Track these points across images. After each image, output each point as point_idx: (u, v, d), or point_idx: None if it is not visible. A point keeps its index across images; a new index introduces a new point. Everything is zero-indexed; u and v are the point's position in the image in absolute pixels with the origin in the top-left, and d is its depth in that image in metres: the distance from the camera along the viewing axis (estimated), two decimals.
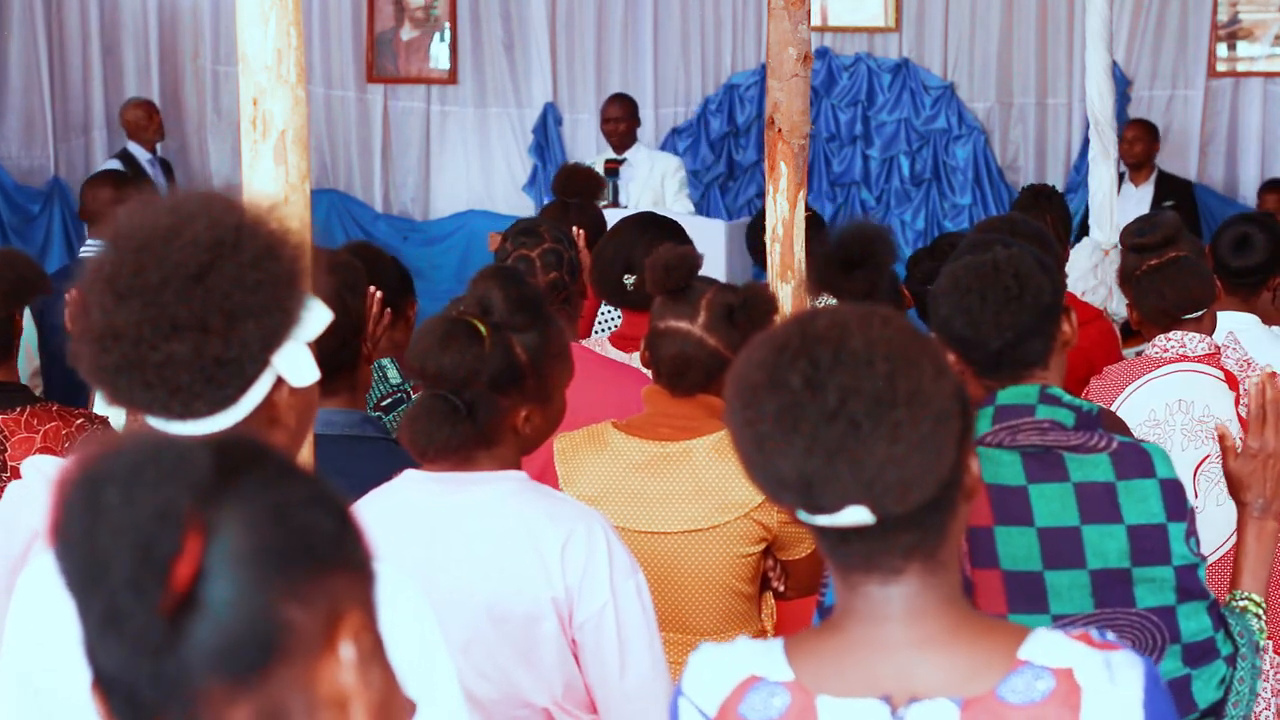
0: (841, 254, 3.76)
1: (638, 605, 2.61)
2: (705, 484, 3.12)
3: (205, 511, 1.20)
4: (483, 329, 2.63)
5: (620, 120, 9.23)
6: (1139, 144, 9.26)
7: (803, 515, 1.68)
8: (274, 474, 1.25)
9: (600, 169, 9.04)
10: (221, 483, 1.21)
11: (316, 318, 1.86)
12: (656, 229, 4.48)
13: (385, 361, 4.32)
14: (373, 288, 3.36)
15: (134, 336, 1.75)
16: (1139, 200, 9.13)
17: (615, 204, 8.82)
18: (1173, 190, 9.38)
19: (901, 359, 1.64)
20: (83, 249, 6.07)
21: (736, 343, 3.19)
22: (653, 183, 9.06)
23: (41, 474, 2.56)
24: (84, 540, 1.19)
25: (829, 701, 1.69)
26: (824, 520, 1.66)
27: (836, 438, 1.61)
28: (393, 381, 4.32)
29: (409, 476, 2.69)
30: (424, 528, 2.62)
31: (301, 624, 1.22)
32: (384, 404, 4.29)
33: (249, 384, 1.81)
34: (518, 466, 2.69)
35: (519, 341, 2.65)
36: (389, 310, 3.42)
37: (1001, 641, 1.69)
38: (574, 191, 5.82)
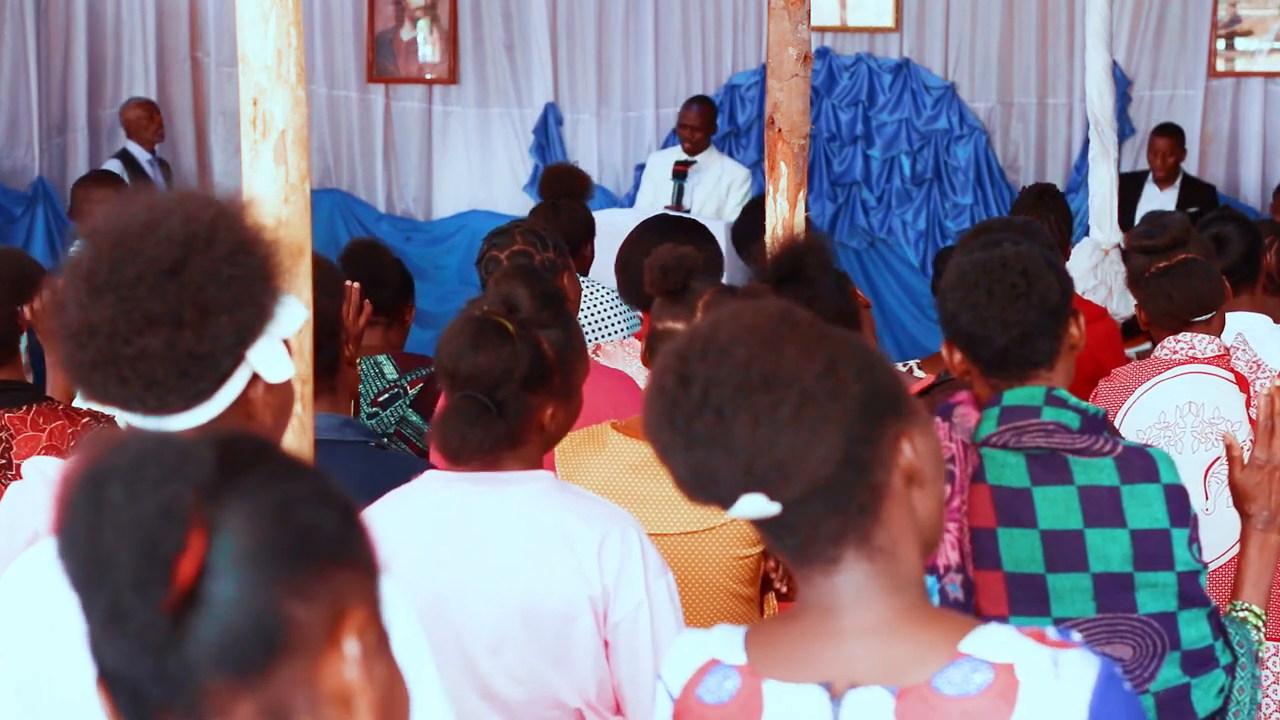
0: (773, 271, 3.79)
1: (669, 605, 2.63)
2: None
3: (208, 508, 1.20)
4: (511, 327, 2.63)
5: (697, 129, 9.21)
6: (1172, 156, 9.25)
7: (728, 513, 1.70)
8: (277, 470, 1.25)
9: (669, 168, 9.05)
10: (224, 479, 1.21)
11: (292, 315, 1.87)
12: (679, 231, 4.47)
13: (381, 358, 4.33)
14: (351, 282, 3.35)
15: (109, 331, 1.76)
16: (1164, 205, 9.10)
17: (679, 206, 8.83)
18: (1197, 195, 9.34)
19: (759, 344, 1.64)
20: (74, 250, 6.03)
21: None
22: (719, 190, 9.06)
23: (42, 474, 2.56)
24: (87, 538, 1.19)
25: (774, 686, 1.71)
26: (733, 514, 1.67)
27: (707, 429, 1.63)
28: (389, 377, 4.34)
29: (434, 476, 2.69)
30: (454, 528, 2.62)
31: (305, 620, 1.22)
32: (381, 399, 4.31)
33: (223, 379, 1.81)
34: (540, 465, 2.70)
35: (545, 339, 2.66)
36: (368, 303, 3.41)
37: (944, 633, 1.68)
38: (561, 192, 5.81)
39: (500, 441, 2.61)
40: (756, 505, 1.65)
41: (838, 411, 1.64)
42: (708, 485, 1.66)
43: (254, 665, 1.20)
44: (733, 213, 8.91)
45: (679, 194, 9.00)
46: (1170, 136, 9.30)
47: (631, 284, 4.41)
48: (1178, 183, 9.36)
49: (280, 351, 1.86)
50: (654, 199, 9.12)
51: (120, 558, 1.18)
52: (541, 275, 2.83)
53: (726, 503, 1.66)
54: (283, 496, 1.23)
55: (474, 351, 2.61)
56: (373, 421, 4.23)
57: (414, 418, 4.33)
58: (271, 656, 1.21)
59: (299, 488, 1.25)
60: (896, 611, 1.69)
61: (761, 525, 1.70)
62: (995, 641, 1.67)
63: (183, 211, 1.79)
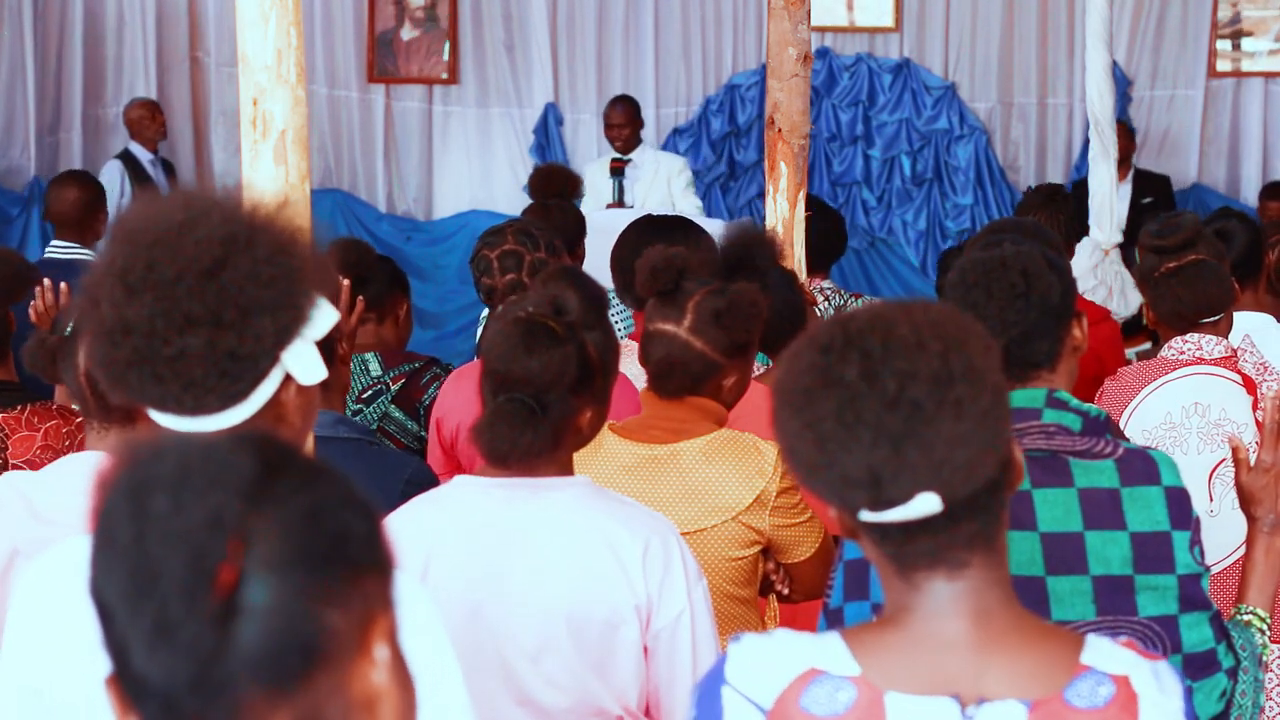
0: (721, 259, 3.77)
1: (706, 610, 2.63)
2: (693, 487, 3.12)
3: (247, 516, 1.19)
4: (559, 330, 2.62)
5: (624, 125, 9.22)
6: (1119, 141, 9.23)
7: (868, 516, 1.66)
8: (306, 475, 1.23)
9: (606, 170, 9.07)
10: (262, 487, 1.20)
11: (325, 317, 1.86)
12: (669, 229, 4.47)
13: (369, 355, 4.34)
14: (344, 280, 3.35)
15: (146, 330, 1.75)
16: (1118, 199, 9.12)
17: (620, 204, 8.83)
18: (1151, 187, 9.35)
19: (951, 338, 1.63)
20: (48, 249, 6.04)
21: (723, 345, 3.18)
22: (659, 183, 9.07)
23: (15, 490, 2.54)
24: (132, 549, 1.17)
25: (898, 698, 1.68)
26: (894, 514, 1.63)
27: (901, 423, 1.60)
28: (373, 374, 4.35)
29: (467, 482, 2.67)
30: (493, 534, 2.60)
31: (340, 628, 1.20)
32: (365, 396, 4.32)
33: (260, 379, 1.80)
34: (573, 469, 2.69)
35: (590, 340, 2.65)
36: (360, 299, 3.40)
37: (1062, 645, 1.69)
38: (552, 192, 5.80)
39: (547, 445, 2.59)
40: (929, 504, 1.62)
41: (1008, 410, 1.64)
42: (885, 482, 1.62)
43: (294, 675, 1.19)
44: (681, 202, 8.91)
45: (619, 192, 9.00)
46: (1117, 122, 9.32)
47: (626, 284, 4.41)
48: (1130, 177, 9.33)
49: (313, 353, 1.85)
50: (596, 204, 9.12)
51: (168, 569, 1.16)
52: (587, 276, 2.82)
53: (898, 501, 1.62)
54: (314, 502, 1.22)
55: (526, 354, 2.58)
56: (357, 419, 4.24)
57: (397, 414, 4.34)
58: (310, 665, 1.19)
59: (328, 493, 1.23)
60: (1013, 622, 1.69)
61: (891, 527, 1.66)
62: (1108, 654, 1.68)
63: (221, 211, 1.78)
